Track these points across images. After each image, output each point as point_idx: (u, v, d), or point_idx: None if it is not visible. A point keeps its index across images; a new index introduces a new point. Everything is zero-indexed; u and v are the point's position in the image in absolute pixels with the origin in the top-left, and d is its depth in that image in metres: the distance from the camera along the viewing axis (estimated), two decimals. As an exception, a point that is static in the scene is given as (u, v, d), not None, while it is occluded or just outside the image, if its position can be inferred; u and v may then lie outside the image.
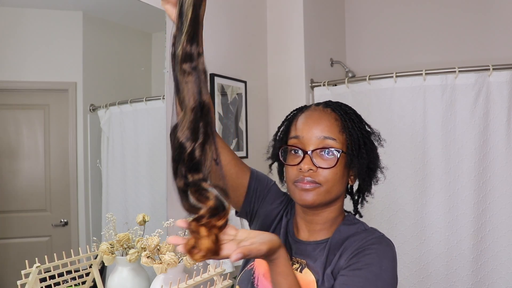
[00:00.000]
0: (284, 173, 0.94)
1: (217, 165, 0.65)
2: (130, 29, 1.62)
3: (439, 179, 2.00)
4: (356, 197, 0.99)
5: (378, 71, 2.39)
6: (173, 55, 0.63)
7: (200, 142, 0.62)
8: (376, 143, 0.95)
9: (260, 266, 0.95)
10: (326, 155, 0.86)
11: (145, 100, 1.63)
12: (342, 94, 2.22)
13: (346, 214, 0.96)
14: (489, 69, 1.92)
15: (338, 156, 0.85)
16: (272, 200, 1.03)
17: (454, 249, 1.96)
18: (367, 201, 0.99)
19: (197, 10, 0.62)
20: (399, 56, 2.74)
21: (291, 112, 0.98)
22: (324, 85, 2.28)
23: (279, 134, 0.98)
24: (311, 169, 0.85)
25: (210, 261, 1.72)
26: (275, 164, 1.01)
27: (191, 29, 0.62)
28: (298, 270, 0.89)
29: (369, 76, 2.13)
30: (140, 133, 1.62)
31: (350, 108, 0.94)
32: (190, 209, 0.64)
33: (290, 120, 0.96)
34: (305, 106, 0.96)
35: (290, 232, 0.97)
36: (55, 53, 1.34)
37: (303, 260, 0.90)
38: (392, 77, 2.06)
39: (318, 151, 0.86)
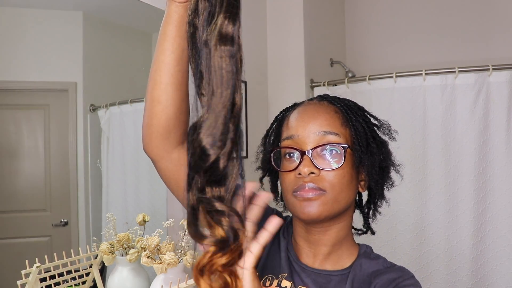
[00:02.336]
0: (280, 185, 0.77)
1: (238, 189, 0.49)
2: (130, 29, 1.62)
3: (439, 179, 2.00)
4: (366, 210, 0.82)
5: (378, 71, 2.39)
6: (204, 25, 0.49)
7: (227, 151, 0.47)
8: (386, 137, 0.80)
9: None
10: (329, 154, 0.70)
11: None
12: (342, 94, 2.22)
13: (359, 245, 0.80)
14: (489, 69, 1.92)
15: (345, 153, 0.70)
16: None
17: (454, 249, 1.96)
18: (380, 213, 0.82)
19: None
20: (399, 56, 2.74)
21: (281, 112, 0.82)
22: (324, 85, 2.28)
23: (268, 138, 0.82)
24: (312, 173, 0.69)
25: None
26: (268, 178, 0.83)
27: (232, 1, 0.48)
28: None
29: (369, 76, 2.13)
30: (140, 133, 1.61)
31: (349, 100, 0.79)
32: (195, 234, 0.49)
33: (280, 120, 0.80)
34: (296, 103, 0.81)
35: (292, 256, 0.78)
36: (55, 53, 1.34)
37: None
38: (392, 77, 2.06)
39: (318, 150, 0.71)
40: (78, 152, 1.38)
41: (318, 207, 0.70)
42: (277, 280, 0.76)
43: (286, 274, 0.76)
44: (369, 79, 2.13)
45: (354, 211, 0.81)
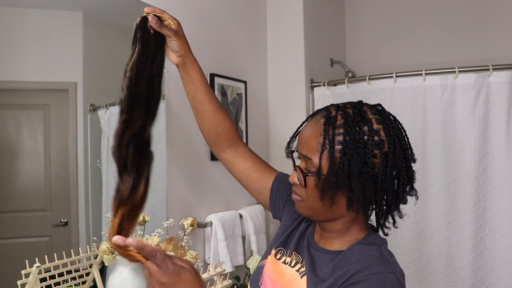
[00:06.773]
0: None
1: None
2: (130, 29, 1.61)
3: (439, 179, 2.00)
4: (377, 211, 0.88)
5: (378, 71, 2.39)
6: None
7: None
8: (402, 162, 0.81)
9: (268, 265, 0.95)
10: (297, 176, 0.85)
11: (145, 100, 1.62)
12: (342, 94, 2.22)
13: (370, 231, 0.88)
14: (489, 69, 1.92)
15: (304, 179, 0.82)
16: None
17: (454, 249, 1.96)
18: (390, 222, 0.87)
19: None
20: (399, 56, 2.74)
21: (301, 123, 0.94)
22: (324, 85, 2.28)
23: (292, 138, 0.94)
24: (293, 183, 0.87)
25: (210, 261, 1.72)
26: None
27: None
28: (300, 274, 0.87)
29: (369, 76, 2.13)
30: (140, 133, 1.61)
31: (357, 109, 0.82)
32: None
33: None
34: (312, 113, 0.89)
35: (309, 235, 0.93)
36: (55, 53, 1.34)
37: (304, 268, 0.86)
38: (392, 77, 2.06)
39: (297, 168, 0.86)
40: (78, 152, 1.38)
41: (299, 208, 0.88)
42: (284, 258, 0.93)
43: (290, 251, 0.93)
44: (369, 79, 2.13)
45: (369, 211, 0.88)
